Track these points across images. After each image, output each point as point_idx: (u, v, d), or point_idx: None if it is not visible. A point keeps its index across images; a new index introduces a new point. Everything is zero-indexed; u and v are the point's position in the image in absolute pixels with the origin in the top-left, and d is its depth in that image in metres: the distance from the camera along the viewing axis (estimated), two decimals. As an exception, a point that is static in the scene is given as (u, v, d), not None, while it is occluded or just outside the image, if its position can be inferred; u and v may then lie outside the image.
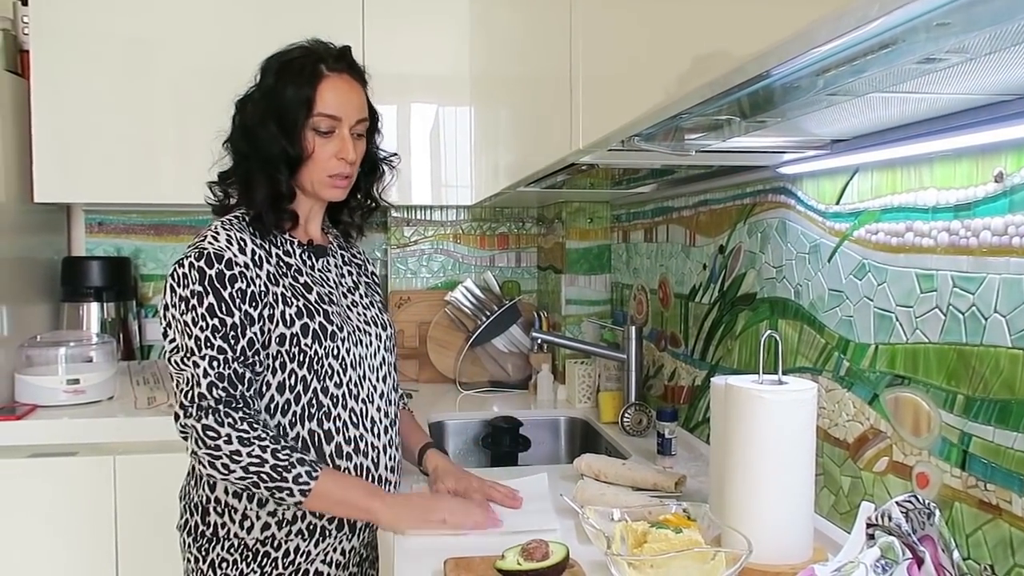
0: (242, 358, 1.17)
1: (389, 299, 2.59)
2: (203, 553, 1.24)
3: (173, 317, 1.19)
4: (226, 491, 1.23)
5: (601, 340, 2.25)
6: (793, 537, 1.04)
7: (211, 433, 1.13)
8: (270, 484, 1.14)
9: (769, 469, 1.03)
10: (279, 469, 1.13)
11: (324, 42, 1.28)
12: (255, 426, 1.15)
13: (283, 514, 1.22)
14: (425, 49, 2.30)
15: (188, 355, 1.16)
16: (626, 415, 1.84)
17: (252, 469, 1.13)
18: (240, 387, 1.16)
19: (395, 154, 1.40)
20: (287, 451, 1.15)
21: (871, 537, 0.94)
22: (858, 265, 1.14)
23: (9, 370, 2.07)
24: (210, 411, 1.13)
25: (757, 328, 1.44)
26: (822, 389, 1.22)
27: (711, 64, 0.70)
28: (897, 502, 0.92)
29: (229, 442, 1.13)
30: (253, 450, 1.13)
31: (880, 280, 1.09)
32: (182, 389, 1.16)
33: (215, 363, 1.15)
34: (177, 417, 1.17)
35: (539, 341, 2.18)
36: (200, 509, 1.24)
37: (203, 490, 1.25)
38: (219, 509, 1.23)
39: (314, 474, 1.15)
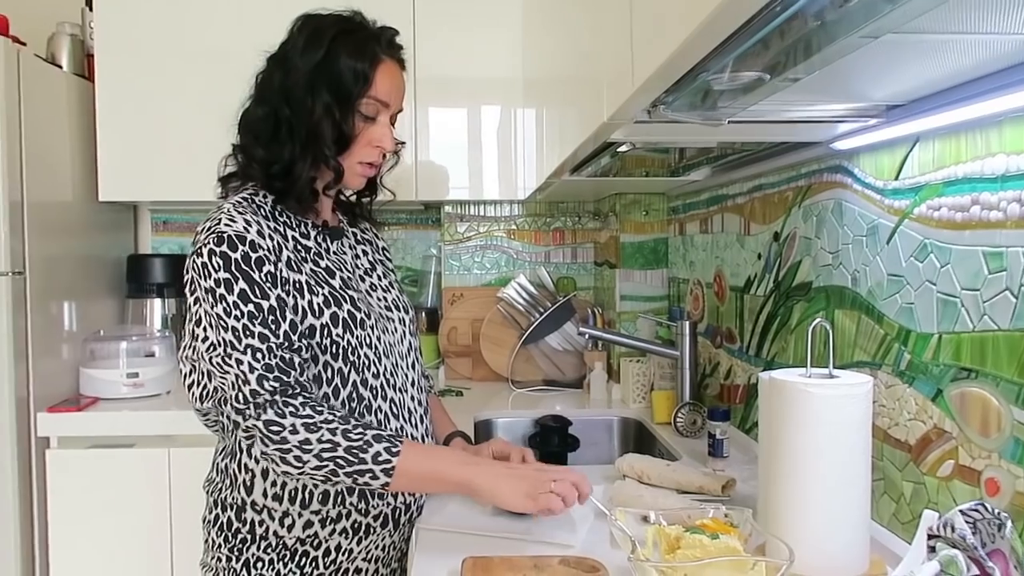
0: (287, 343, 1.07)
1: (443, 295, 2.57)
2: (236, 553, 1.17)
3: (205, 313, 1.07)
4: (265, 494, 1.15)
5: (656, 337, 2.15)
6: (845, 547, 0.95)
7: (274, 427, 1.03)
8: (349, 469, 1.04)
9: (817, 472, 0.94)
10: (354, 451, 1.03)
11: (366, 18, 1.20)
12: (319, 409, 1.05)
13: (327, 512, 1.16)
14: (482, 52, 2.26)
15: (229, 351, 1.05)
16: (679, 415, 1.74)
17: (326, 456, 1.03)
18: (293, 372, 1.06)
19: (403, 143, 1.28)
20: (360, 429, 1.05)
21: (932, 549, 0.83)
22: (919, 246, 1.02)
23: (75, 364, 2.14)
24: (267, 405, 1.04)
25: (813, 320, 1.33)
26: (881, 385, 1.11)
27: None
28: (962, 511, 0.82)
29: (295, 432, 1.03)
30: (323, 435, 1.03)
31: (943, 261, 0.97)
32: (230, 393, 1.05)
33: (259, 354, 1.05)
34: (209, 416, 1.08)
35: (587, 337, 2.10)
36: (235, 508, 1.17)
37: (239, 492, 1.17)
38: (257, 508, 1.16)
39: (394, 450, 1.04)
